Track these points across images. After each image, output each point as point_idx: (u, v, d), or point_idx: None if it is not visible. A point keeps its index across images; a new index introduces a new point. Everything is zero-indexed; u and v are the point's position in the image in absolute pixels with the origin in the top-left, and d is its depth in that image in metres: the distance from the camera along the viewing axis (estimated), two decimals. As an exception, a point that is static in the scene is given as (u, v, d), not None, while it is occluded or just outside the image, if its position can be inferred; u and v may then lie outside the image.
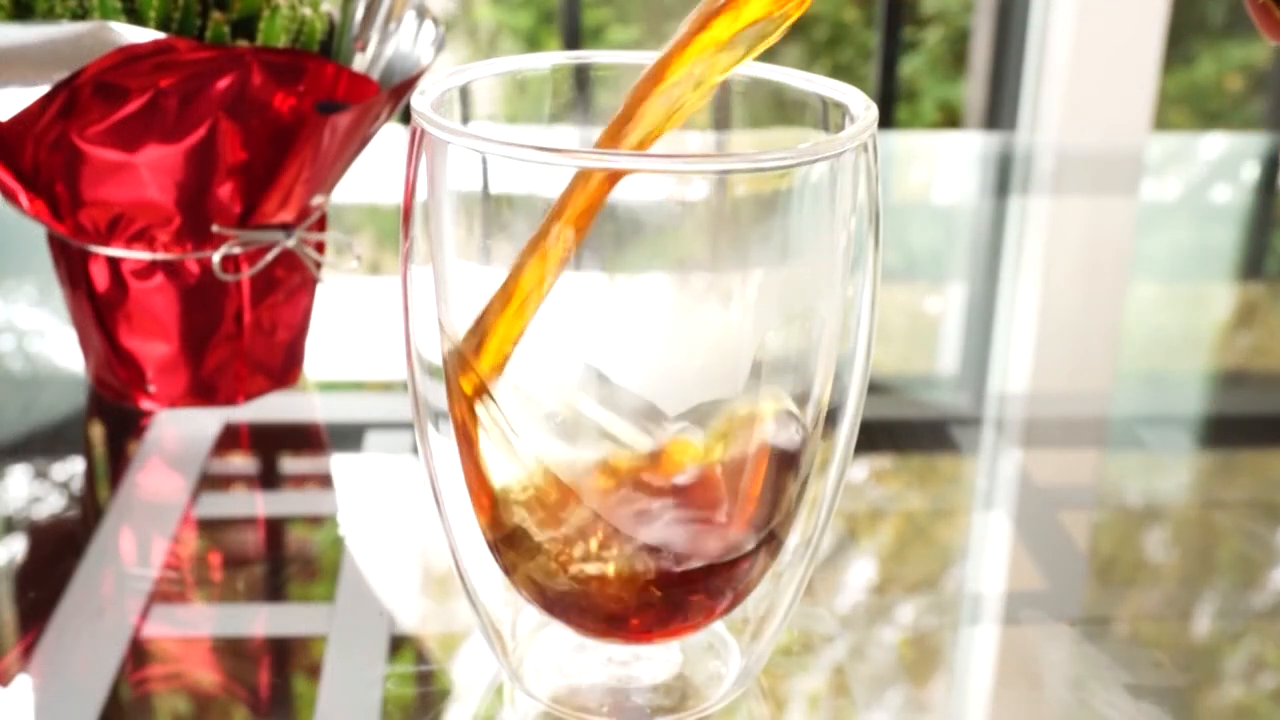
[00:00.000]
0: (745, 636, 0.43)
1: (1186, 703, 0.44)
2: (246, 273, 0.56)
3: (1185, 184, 0.99)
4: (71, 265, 0.57)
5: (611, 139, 0.37)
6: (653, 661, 0.42)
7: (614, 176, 0.34)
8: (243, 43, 0.53)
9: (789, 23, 0.36)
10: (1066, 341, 0.72)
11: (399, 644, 0.45)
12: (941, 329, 0.75)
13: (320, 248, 0.60)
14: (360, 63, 0.57)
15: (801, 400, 0.37)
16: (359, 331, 0.68)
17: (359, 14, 0.56)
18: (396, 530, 0.52)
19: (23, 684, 0.43)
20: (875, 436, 0.59)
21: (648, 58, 0.41)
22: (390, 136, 0.85)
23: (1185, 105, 2.30)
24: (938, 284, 0.81)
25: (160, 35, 0.48)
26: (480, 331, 0.37)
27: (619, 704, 0.41)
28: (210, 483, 0.54)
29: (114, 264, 0.55)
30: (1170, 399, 0.66)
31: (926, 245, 0.87)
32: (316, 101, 0.52)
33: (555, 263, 0.35)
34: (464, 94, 0.39)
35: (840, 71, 2.37)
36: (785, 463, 0.38)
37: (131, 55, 0.48)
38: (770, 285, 0.35)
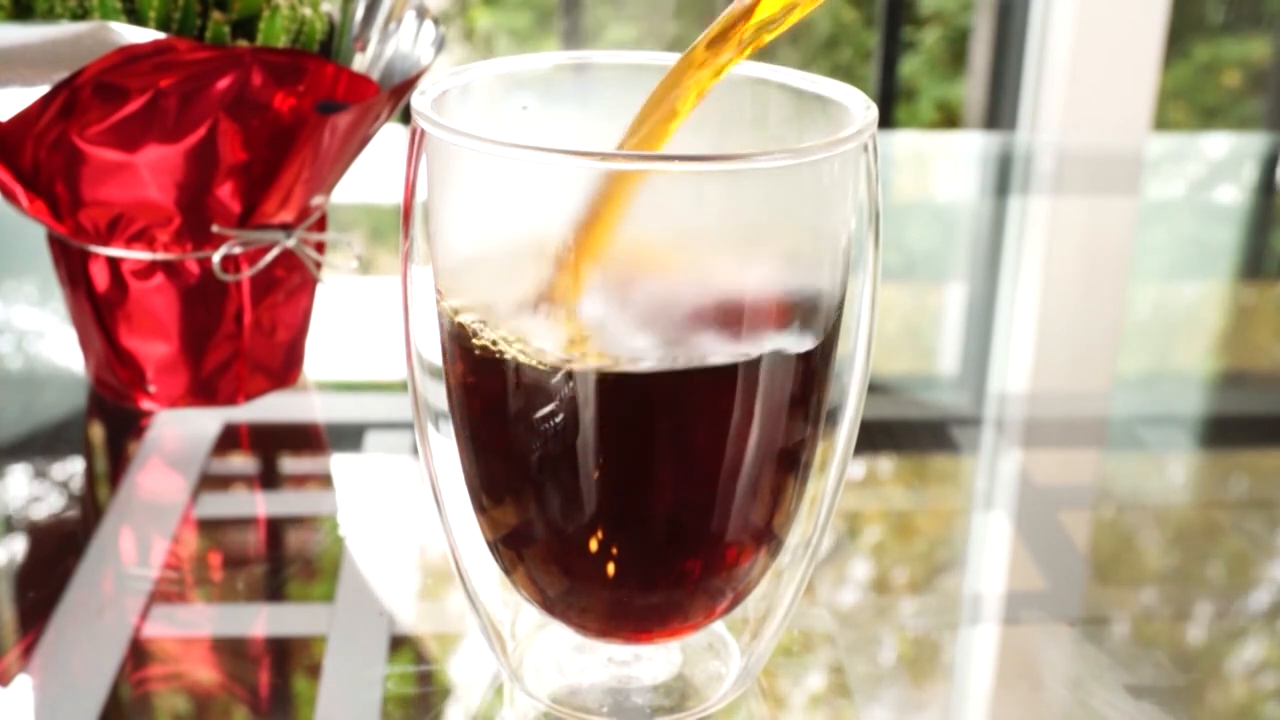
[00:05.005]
0: (745, 636, 0.43)
1: (1186, 703, 0.44)
2: (246, 273, 0.56)
3: (1186, 183, 0.99)
4: (71, 265, 0.57)
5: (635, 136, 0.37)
6: (653, 661, 0.42)
7: (632, 178, 0.34)
8: (243, 43, 0.53)
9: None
10: (1066, 341, 0.72)
11: (399, 644, 0.45)
12: (941, 329, 0.75)
13: (320, 248, 0.60)
14: (360, 63, 0.57)
15: (802, 400, 0.37)
16: (359, 331, 0.68)
17: (359, 14, 0.57)
18: (396, 530, 0.52)
19: (23, 684, 0.43)
20: (875, 436, 0.59)
21: (647, 57, 0.41)
22: (390, 136, 0.85)
23: (1182, 100, 2.30)
24: (938, 284, 0.81)
25: (160, 35, 0.48)
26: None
27: (619, 704, 0.41)
28: (210, 483, 0.54)
29: (114, 264, 0.55)
30: (1170, 399, 0.66)
31: (926, 245, 0.87)
32: (316, 101, 0.52)
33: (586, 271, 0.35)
34: (464, 94, 0.39)
35: (839, 71, 2.37)
36: (788, 463, 0.38)
37: (131, 55, 0.48)
38: (770, 285, 0.35)
